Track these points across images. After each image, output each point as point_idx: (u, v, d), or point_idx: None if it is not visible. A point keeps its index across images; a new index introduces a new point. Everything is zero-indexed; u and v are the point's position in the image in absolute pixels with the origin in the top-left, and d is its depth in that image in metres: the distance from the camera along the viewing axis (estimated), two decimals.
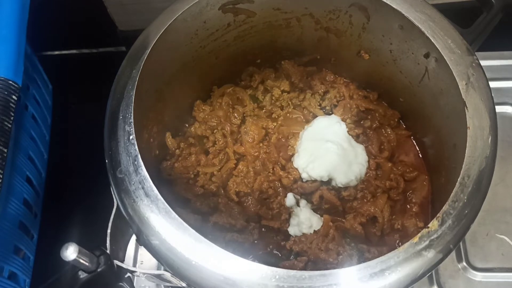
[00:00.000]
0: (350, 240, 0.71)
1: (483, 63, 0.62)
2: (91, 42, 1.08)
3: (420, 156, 0.80)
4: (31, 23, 0.75)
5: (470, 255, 0.82)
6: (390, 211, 0.72)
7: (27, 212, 0.80)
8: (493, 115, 0.58)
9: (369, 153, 0.77)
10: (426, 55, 0.66)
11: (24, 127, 0.82)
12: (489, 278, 0.80)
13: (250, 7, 0.72)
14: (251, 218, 0.73)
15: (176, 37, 0.67)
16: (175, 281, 0.54)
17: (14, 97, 0.67)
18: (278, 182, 0.76)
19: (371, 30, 0.73)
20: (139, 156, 0.54)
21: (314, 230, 0.70)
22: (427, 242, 0.50)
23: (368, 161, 0.76)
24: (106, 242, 0.56)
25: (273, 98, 0.84)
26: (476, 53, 0.63)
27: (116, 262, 0.56)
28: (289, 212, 0.73)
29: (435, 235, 0.50)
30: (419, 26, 0.64)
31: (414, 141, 0.82)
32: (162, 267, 0.53)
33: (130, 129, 0.56)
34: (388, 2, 0.65)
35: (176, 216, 0.50)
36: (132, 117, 0.57)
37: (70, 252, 0.48)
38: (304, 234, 0.70)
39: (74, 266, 0.51)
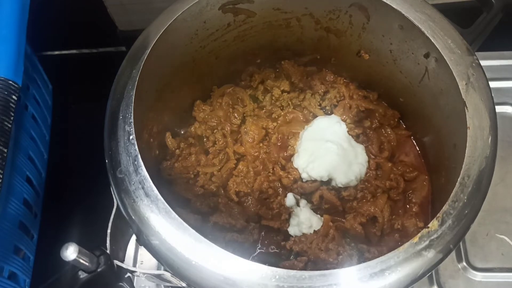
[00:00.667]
0: (350, 240, 0.71)
1: (483, 63, 0.62)
2: (91, 42, 1.08)
3: (420, 156, 0.80)
4: (31, 23, 0.75)
5: (470, 255, 0.82)
6: (390, 211, 0.72)
7: (27, 212, 0.80)
8: (493, 115, 0.58)
9: (369, 153, 0.77)
10: (426, 55, 0.66)
11: (24, 127, 0.82)
12: (489, 278, 0.80)
13: (250, 7, 0.72)
14: (251, 218, 0.73)
15: (176, 37, 0.67)
16: (175, 281, 0.54)
17: (14, 97, 0.67)
18: (278, 182, 0.76)
19: (371, 30, 0.73)
20: (139, 156, 0.54)
21: (314, 230, 0.70)
22: (427, 242, 0.50)
23: (368, 161, 0.76)
24: (106, 242, 0.56)
25: (273, 98, 0.84)
26: (476, 53, 0.63)
27: (116, 262, 0.56)
28: (289, 212, 0.73)
29: (435, 235, 0.50)
30: (419, 26, 0.64)
31: (414, 141, 0.82)
32: (162, 267, 0.53)
33: (130, 129, 0.56)
34: (388, 2, 0.65)
35: (176, 216, 0.50)
36: (132, 117, 0.57)
37: (70, 252, 0.48)
38: (304, 234, 0.70)
39: (74, 266, 0.51)
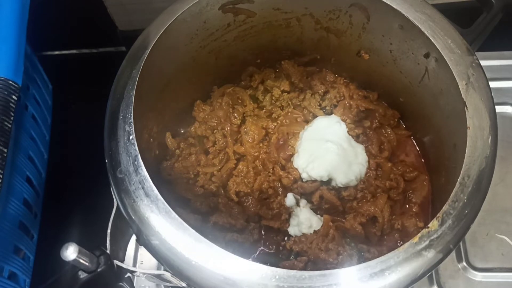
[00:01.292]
0: (350, 240, 0.71)
1: (483, 63, 0.62)
2: (91, 42, 1.08)
3: (420, 156, 0.80)
4: (31, 23, 0.75)
5: (470, 255, 0.82)
6: (390, 211, 0.72)
7: (27, 212, 0.80)
8: (493, 115, 0.58)
9: (369, 153, 0.77)
10: (426, 55, 0.66)
11: (24, 127, 0.82)
12: (489, 278, 0.80)
13: (250, 7, 0.72)
14: (251, 218, 0.73)
15: (176, 37, 0.67)
16: (175, 281, 0.54)
17: (14, 97, 0.67)
18: (278, 182, 0.76)
19: (371, 30, 0.73)
20: (139, 156, 0.54)
21: (314, 230, 0.70)
22: (427, 242, 0.50)
23: (368, 161, 0.76)
24: (106, 242, 0.56)
25: (273, 98, 0.84)
26: (476, 53, 0.63)
27: (116, 262, 0.56)
28: (289, 212, 0.73)
29: (435, 235, 0.50)
30: (419, 26, 0.64)
31: (414, 141, 0.82)
32: (162, 267, 0.53)
33: (130, 129, 0.56)
34: (388, 2, 0.65)
35: (176, 216, 0.50)
36: (132, 117, 0.57)
37: (70, 252, 0.48)
38: (304, 234, 0.70)
39: (74, 266, 0.51)
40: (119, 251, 0.60)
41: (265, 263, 0.47)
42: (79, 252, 0.49)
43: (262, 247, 0.72)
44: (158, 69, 0.67)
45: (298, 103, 0.84)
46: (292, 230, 0.72)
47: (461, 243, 0.81)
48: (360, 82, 0.85)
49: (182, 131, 0.81)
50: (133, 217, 0.52)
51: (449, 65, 0.61)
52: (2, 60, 0.67)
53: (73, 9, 0.97)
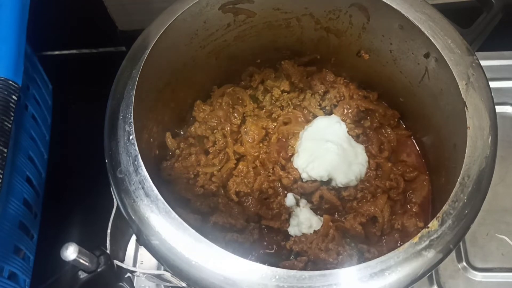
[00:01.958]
0: (350, 240, 0.71)
1: (483, 63, 0.62)
2: (91, 42, 1.08)
3: (420, 156, 0.80)
4: (31, 23, 0.75)
5: (470, 255, 0.82)
6: (390, 211, 0.72)
7: (27, 212, 0.80)
8: (493, 115, 0.58)
9: (369, 153, 0.77)
10: (426, 55, 0.66)
11: (24, 127, 0.82)
12: (489, 278, 0.80)
13: (250, 7, 0.72)
14: (251, 218, 0.73)
15: (176, 37, 0.67)
16: (175, 281, 0.54)
17: (14, 97, 0.67)
18: (278, 182, 0.76)
19: (371, 30, 0.73)
20: (139, 156, 0.54)
21: (314, 230, 0.70)
22: (427, 242, 0.50)
23: (368, 161, 0.76)
24: (106, 242, 0.56)
25: (273, 98, 0.84)
26: (476, 53, 0.63)
27: (116, 262, 0.56)
28: (289, 212, 0.73)
29: (435, 235, 0.50)
30: (419, 26, 0.64)
31: (414, 141, 0.82)
32: (162, 267, 0.53)
33: (130, 129, 0.56)
34: (388, 2, 0.65)
35: (176, 216, 0.50)
36: (132, 117, 0.57)
37: (70, 252, 0.48)
38: (304, 234, 0.70)
39: (74, 266, 0.51)
40: (119, 251, 0.60)
41: (265, 263, 0.48)
42: (79, 252, 0.49)
43: (262, 247, 0.72)
44: (158, 69, 0.67)
45: (298, 103, 0.84)
46: (292, 230, 0.72)
47: (461, 243, 0.81)
48: (360, 82, 0.85)
49: (182, 131, 0.81)
50: (133, 217, 0.52)
51: (449, 65, 0.61)
52: (2, 60, 0.67)
53: (73, 9, 0.97)
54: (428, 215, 0.73)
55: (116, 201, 0.54)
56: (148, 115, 0.68)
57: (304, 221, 0.71)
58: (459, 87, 0.60)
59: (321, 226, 0.70)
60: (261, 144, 0.79)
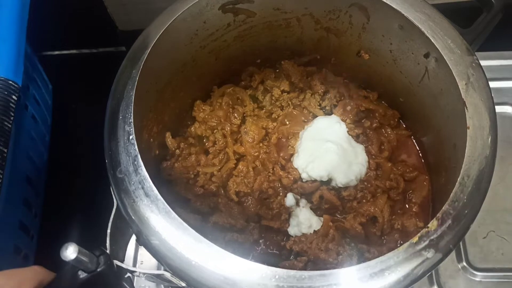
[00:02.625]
0: (350, 240, 0.71)
1: (483, 63, 0.62)
2: (91, 42, 1.08)
3: (420, 156, 0.80)
4: (31, 23, 0.75)
5: (470, 255, 0.82)
6: (390, 211, 0.72)
7: (27, 212, 0.80)
8: (493, 115, 0.58)
9: (369, 153, 0.77)
10: (426, 55, 0.66)
11: (24, 127, 0.82)
12: (489, 278, 0.80)
13: (250, 7, 0.72)
14: (251, 218, 0.73)
15: (176, 37, 0.67)
16: (175, 281, 0.54)
17: (14, 97, 0.67)
18: (278, 182, 0.75)
19: (371, 30, 0.73)
20: (139, 156, 0.54)
21: (314, 230, 0.70)
22: (426, 242, 0.49)
23: (368, 161, 0.76)
24: (106, 242, 0.56)
25: (273, 98, 0.84)
26: (476, 53, 0.63)
27: (116, 262, 0.56)
28: (289, 212, 0.72)
29: (435, 235, 0.50)
30: (419, 26, 0.64)
31: (414, 141, 0.82)
32: (162, 267, 0.53)
33: (130, 129, 0.56)
34: (388, 2, 0.65)
35: (176, 216, 0.50)
36: (132, 117, 0.57)
37: (70, 252, 0.48)
38: (304, 234, 0.70)
39: (74, 266, 0.51)
40: (119, 251, 0.60)
41: (265, 263, 0.47)
42: (79, 252, 0.49)
43: (262, 247, 0.72)
44: (158, 69, 0.67)
45: (298, 103, 0.84)
46: (292, 230, 0.71)
47: (461, 243, 0.81)
48: (360, 82, 0.85)
49: (182, 131, 0.81)
50: (133, 217, 0.52)
51: (449, 65, 0.61)
52: (2, 60, 0.67)
53: (73, 9, 0.97)
54: (428, 215, 0.73)
55: (116, 201, 0.54)
56: (148, 115, 0.68)
57: (304, 221, 0.71)
58: (459, 87, 0.60)
59: (321, 226, 0.70)
60: (261, 144, 0.79)
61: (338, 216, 0.74)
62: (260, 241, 0.72)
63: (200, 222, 0.68)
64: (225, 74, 0.84)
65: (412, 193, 0.76)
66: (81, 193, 0.91)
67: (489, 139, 0.57)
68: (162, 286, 0.79)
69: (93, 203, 0.82)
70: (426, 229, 0.50)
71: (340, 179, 0.73)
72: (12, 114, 0.67)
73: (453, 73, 0.61)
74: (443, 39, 0.63)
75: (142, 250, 0.81)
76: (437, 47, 0.62)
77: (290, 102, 0.84)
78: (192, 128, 0.80)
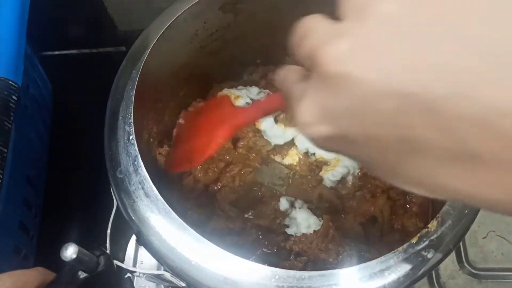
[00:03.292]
0: (350, 240, 0.71)
1: None
2: (91, 42, 1.08)
3: None
4: (31, 23, 0.75)
5: (470, 255, 0.82)
6: (390, 211, 0.72)
7: (27, 212, 0.80)
8: None
9: None
10: None
11: (24, 127, 0.82)
12: (489, 278, 0.80)
13: (250, 7, 0.72)
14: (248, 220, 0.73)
15: (176, 37, 0.67)
16: (175, 281, 0.54)
17: (14, 97, 0.67)
18: None
19: None
20: (139, 156, 0.54)
21: (314, 230, 0.70)
22: (426, 243, 0.50)
23: None
24: (106, 242, 0.56)
25: None
26: None
27: (116, 262, 0.56)
28: (285, 216, 0.72)
29: (435, 235, 0.50)
30: None
31: None
32: (162, 267, 0.53)
33: (130, 129, 0.56)
34: None
35: (176, 216, 0.50)
36: (132, 118, 0.57)
37: (70, 252, 0.48)
38: (303, 234, 0.70)
39: (74, 266, 0.51)
40: (119, 251, 0.60)
41: (265, 263, 0.47)
42: (79, 252, 0.49)
43: (262, 248, 0.72)
44: (158, 69, 0.67)
45: None
46: (291, 230, 0.72)
47: (461, 243, 0.81)
48: None
49: None
50: (133, 217, 0.52)
51: None
52: (2, 60, 0.67)
53: (73, 9, 0.97)
54: (428, 215, 0.73)
55: (116, 201, 0.54)
56: (148, 115, 0.68)
57: (302, 221, 0.71)
58: None
59: (321, 226, 0.70)
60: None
61: (338, 215, 0.74)
62: (260, 241, 0.72)
63: (200, 226, 0.69)
64: (225, 74, 0.84)
65: (412, 193, 0.76)
66: (81, 193, 0.91)
67: None
68: (162, 286, 0.79)
69: (93, 203, 0.82)
70: (426, 229, 0.50)
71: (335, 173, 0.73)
72: (12, 114, 0.67)
73: None
74: None
75: (142, 250, 0.81)
76: None
77: None
78: None
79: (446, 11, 0.20)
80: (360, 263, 0.48)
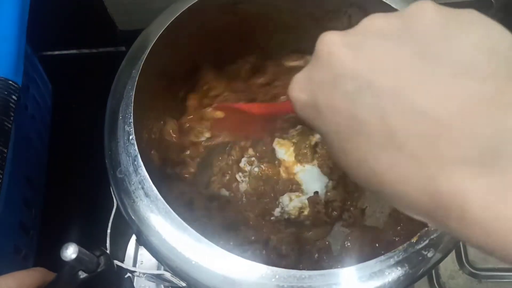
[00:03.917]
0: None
1: None
2: (91, 42, 1.08)
3: None
4: (31, 23, 0.75)
5: (470, 255, 0.81)
6: (390, 210, 0.72)
7: (27, 212, 0.80)
8: None
9: None
10: None
11: (24, 127, 0.82)
12: (489, 278, 0.80)
13: (249, 7, 0.72)
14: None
15: (175, 37, 0.67)
16: (175, 281, 0.54)
17: (14, 97, 0.67)
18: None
19: None
20: (139, 156, 0.54)
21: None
22: (426, 242, 0.50)
23: None
24: (106, 242, 0.56)
25: None
26: None
27: (116, 262, 0.56)
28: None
29: (435, 234, 0.50)
30: None
31: None
32: (162, 267, 0.53)
33: (130, 129, 0.56)
34: (388, 2, 0.65)
35: (176, 216, 0.50)
36: (132, 117, 0.57)
37: (71, 252, 0.48)
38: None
39: (74, 266, 0.51)
40: (119, 251, 0.60)
41: (265, 262, 0.47)
42: (80, 252, 0.49)
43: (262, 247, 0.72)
44: (158, 69, 0.67)
45: None
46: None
47: (461, 243, 0.80)
48: None
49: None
50: (133, 217, 0.52)
51: None
52: (2, 60, 0.67)
53: (73, 9, 0.97)
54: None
55: (115, 201, 0.54)
56: (148, 115, 0.68)
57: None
58: None
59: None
60: None
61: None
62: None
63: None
64: (225, 73, 0.84)
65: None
66: (81, 193, 0.91)
67: None
68: (162, 286, 0.79)
69: (93, 203, 0.82)
70: (426, 228, 0.50)
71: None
72: (12, 114, 0.67)
73: None
74: None
75: (142, 250, 0.81)
76: None
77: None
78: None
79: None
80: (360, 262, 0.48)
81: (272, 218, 0.74)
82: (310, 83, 0.30)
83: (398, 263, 0.48)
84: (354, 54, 0.28)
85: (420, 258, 0.49)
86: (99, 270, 0.52)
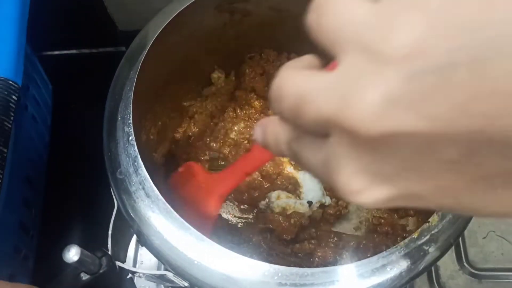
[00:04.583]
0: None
1: None
2: (91, 42, 1.08)
3: None
4: (31, 23, 0.75)
5: (470, 255, 0.82)
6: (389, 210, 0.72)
7: (27, 212, 0.80)
8: None
9: None
10: None
11: (24, 127, 0.82)
12: (489, 278, 0.80)
13: (246, 6, 0.72)
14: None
15: (173, 37, 0.67)
16: (177, 281, 0.54)
17: (14, 97, 0.67)
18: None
19: None
20: (139, 157, 0.54)
21: None
22: (427, 237, 0.50)
23: None
24: (107, 244, 0.56)
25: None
26: None
27: (118, 263, 0.56)
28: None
29: (436, 230, 0.50)
30: None
31: None
32: (163, 267, 0.53)
33: (129, 130, 0.56)
34: None
35: (177, 216, 0.50)
36: (131, 118, 0.57)
37: (72, 254, 0.48)
38: None
39: (76, 268, 0.51)
40: (120, 252, 0.60)
41: (267, 260, 0.47)
42: (81, 254, 0.49)
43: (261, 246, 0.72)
44: (156, 69, 0.67)
45: None
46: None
47: (461, 243, 0.81)
48: None
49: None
50: (134, 217, 0.52)
51: None
52: (2, 60, 0.67)
53: (73, 9, 0.97)
54: (429, 210, 0.73)
55: (116, 202, 0.54)
56: (147, 116, 0.68)
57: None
58: None
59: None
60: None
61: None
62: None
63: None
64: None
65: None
66: (82, 193, 0.91)
67: None
68: (162, 286, 0.79)
69: (93, 203, 0.82)
70: (427, 224, 0.51)
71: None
72: (12, 114, 0.66)
73: None
74: None
75: (142, 251, 0.81)
76: None
77: None
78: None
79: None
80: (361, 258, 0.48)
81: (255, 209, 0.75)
82: (381, 176, 0.21)
83: (400, 259, 0.48)
84: (422, 111, 0.18)
85: (421, 253, 0.49)
86: (101, 271, 0.52)
